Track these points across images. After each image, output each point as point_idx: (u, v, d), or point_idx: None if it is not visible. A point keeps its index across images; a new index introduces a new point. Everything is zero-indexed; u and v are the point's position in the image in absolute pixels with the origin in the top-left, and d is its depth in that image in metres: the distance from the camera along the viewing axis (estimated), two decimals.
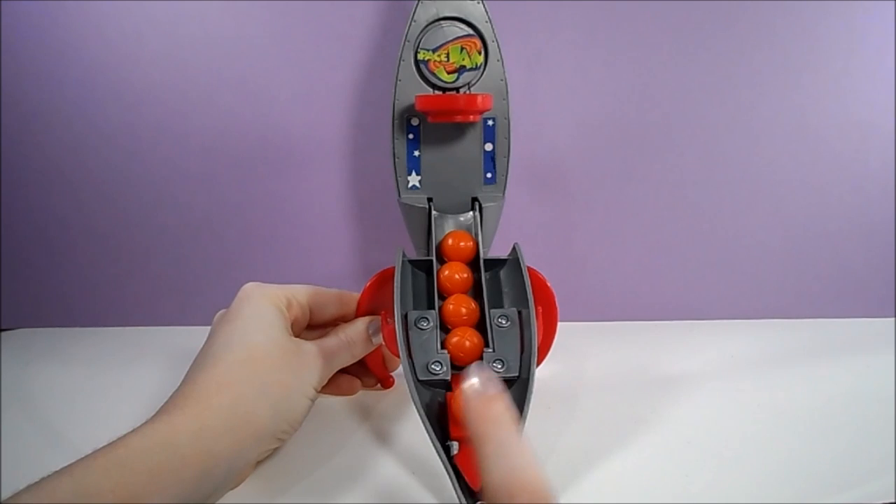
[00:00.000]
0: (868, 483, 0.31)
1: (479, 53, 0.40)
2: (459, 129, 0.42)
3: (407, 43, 0.40)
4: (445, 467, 0.29)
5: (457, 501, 0.28)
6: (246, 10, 0.46)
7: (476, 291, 0.37)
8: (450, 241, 0.38)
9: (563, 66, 0.47)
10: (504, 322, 0.34)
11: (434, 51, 0.40)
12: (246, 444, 0.28)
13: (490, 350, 0.33)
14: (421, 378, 0.32)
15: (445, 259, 0.38)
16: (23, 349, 0.50)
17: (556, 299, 0.38)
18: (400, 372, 0.38)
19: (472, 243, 0.38)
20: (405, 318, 0.34)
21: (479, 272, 0.37)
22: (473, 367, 0.26)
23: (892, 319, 0.52)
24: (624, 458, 0.33)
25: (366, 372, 0.40)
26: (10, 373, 0.45)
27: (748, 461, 0.33)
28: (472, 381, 0.25)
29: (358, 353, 0.36)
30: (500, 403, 0.24)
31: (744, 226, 0.51)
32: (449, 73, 0.40)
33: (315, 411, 0.34)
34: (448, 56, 0.40)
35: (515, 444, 0.23)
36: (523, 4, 0.45)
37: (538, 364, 0.39)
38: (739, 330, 0.50)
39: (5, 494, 0.23)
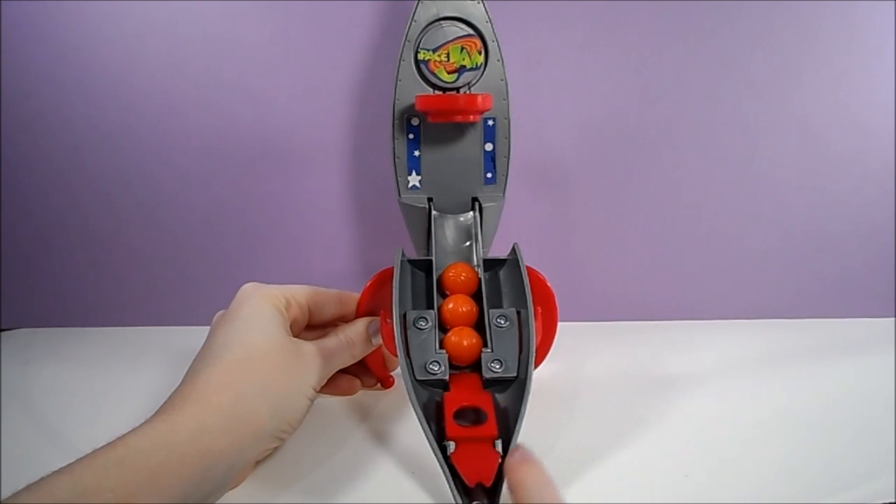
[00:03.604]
0: (868, 483, 0.31)
1: (479, 53, 0.40)
2: (459, 129, 0.42)
3: (407, 43, 0.40)
4: (441, 467, 0.29)
5: (453, 502, 0.28)
6: (246, 11, 0.46)
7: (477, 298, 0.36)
8: (451, 273, 0.37)
9: (563, 66, 0.47)
10: (503, 322, 0.34)
11: (434, 51, 0.40)
12: (245, 444, 0.28)
13: (488, 350, 0.33)
14: (419, 378, 0.32)
15: (447, 292, 0.37)
16: (23, 349, 0.50)
17: (556, 299, 0.38)
18: (399, 371, 0.38)
19: (472, 274, 0.37)
20: (404, 317, 0.34)
21: (482, 303, 0.36)
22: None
23: (892, 319, 0.52)
24: (624, 458, 0.33)
25: (366, 372, 0.40)
26: (10, 373, 0.45)
27: (748, 461, 0.33)
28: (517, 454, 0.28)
29: (358, 354, 0.36)
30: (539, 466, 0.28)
31: (744, 226, 0.51)
32: (449, 73, 0.40)
33: (314, 411, 0.34)
34: (448, 56, 0.40)
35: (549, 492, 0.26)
36: (523, 4, 0.45)
37: (538, 364, 0.39)
38: (739, 330, 0.50)
39: (5, 494, 0.23)
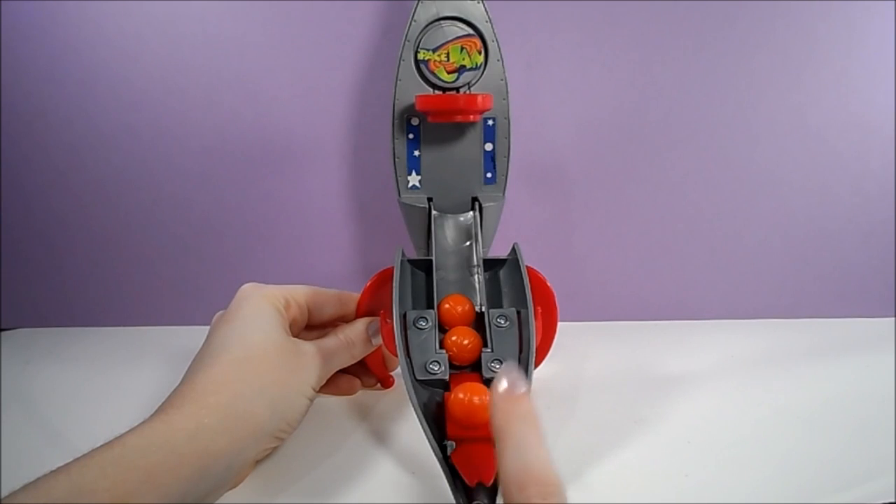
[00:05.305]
0: (868, 483, 0.31)
1: (479, 53, 0.40)
2: (459, 129, 0.42)
3: (407, 43, 0.40)
4: (442, 467, 0.29)
5: (454, 502, 0.28)
6: (246, 11, 0.46)
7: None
8: (447, 306, 0.35)
9: (563, 65, 0.47)
10: (503, 322, 0.34)
11: (434, 50, 0.40)
12: (244, 443, 0.28)
13: (488, 350, 0.33)
14: (419, 377, 0.32)
15: (445, 327, 0.35)
16: (23, 349, 0.50)
17: (556, 299, 0.38)
18: (399, 371, 0.38)
19: (469, 306, 0.35)
20: (404, 317, 0.34)
21: (485, 330, 0.35)
22: (504, 367, 0.27)
23: (892, 319, 0.52)
24: (624, 458, 0.33)
25: (365, 371, 0.40)
26: (10, 373, 0.45)
27: (748, 461, 0.33)
28: (502, 381, 0.25)
29: (357, 354, 0.36)
30: (526, 402, 0.25)
31: (744, 226, 0.51)
32: (449, 72, 0.40)
33: (314, 411, 0.34)
34: (448, 56, 0.40)
35: (535, 440, 0.24)
36: (523, 4, 0.45)
37: (538, 364, 0.39)
38: (739, 330, 0.50)
39: (4, 494, 0.23)
